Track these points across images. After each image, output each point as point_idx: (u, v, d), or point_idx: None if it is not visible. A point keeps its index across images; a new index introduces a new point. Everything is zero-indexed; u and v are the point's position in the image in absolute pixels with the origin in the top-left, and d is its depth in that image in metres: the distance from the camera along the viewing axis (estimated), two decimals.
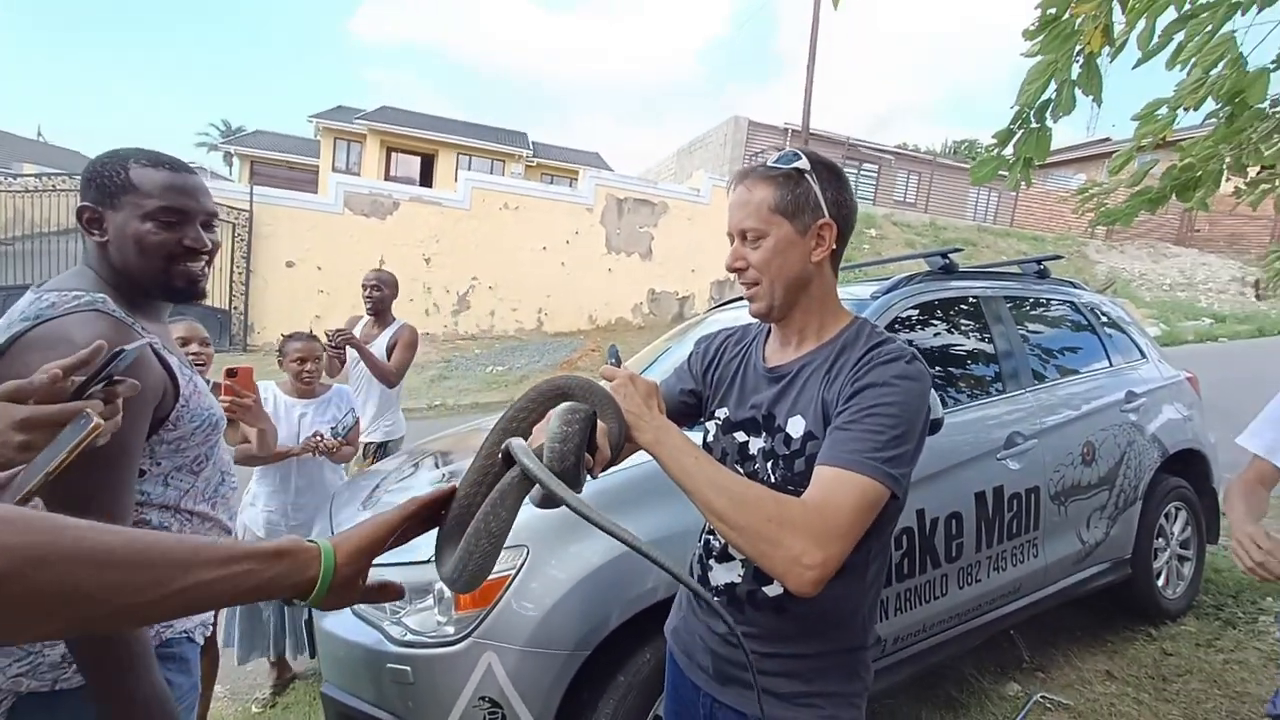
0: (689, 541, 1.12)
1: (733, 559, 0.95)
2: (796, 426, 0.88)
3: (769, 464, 0.91)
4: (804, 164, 0.90)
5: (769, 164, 0.92)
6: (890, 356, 0.84)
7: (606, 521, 0.63)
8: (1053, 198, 18.60)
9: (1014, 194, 18.57)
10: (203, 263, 0.97)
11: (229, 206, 9.35)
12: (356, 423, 2.46)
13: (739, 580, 0.94)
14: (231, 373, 1.71)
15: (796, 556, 0.71)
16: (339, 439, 2.29)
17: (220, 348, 9.39)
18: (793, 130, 15.79)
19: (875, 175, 18.35)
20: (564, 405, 0.71)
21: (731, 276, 0.96)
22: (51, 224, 8.90)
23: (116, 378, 0.67)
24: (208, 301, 11.33)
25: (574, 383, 0.80)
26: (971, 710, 2.17)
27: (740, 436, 0.96)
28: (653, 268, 11.93)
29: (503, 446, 0.68)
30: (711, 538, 1.00)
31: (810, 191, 0.89)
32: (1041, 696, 2.23)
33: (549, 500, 0.71)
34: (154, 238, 0.91)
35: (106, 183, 0.91)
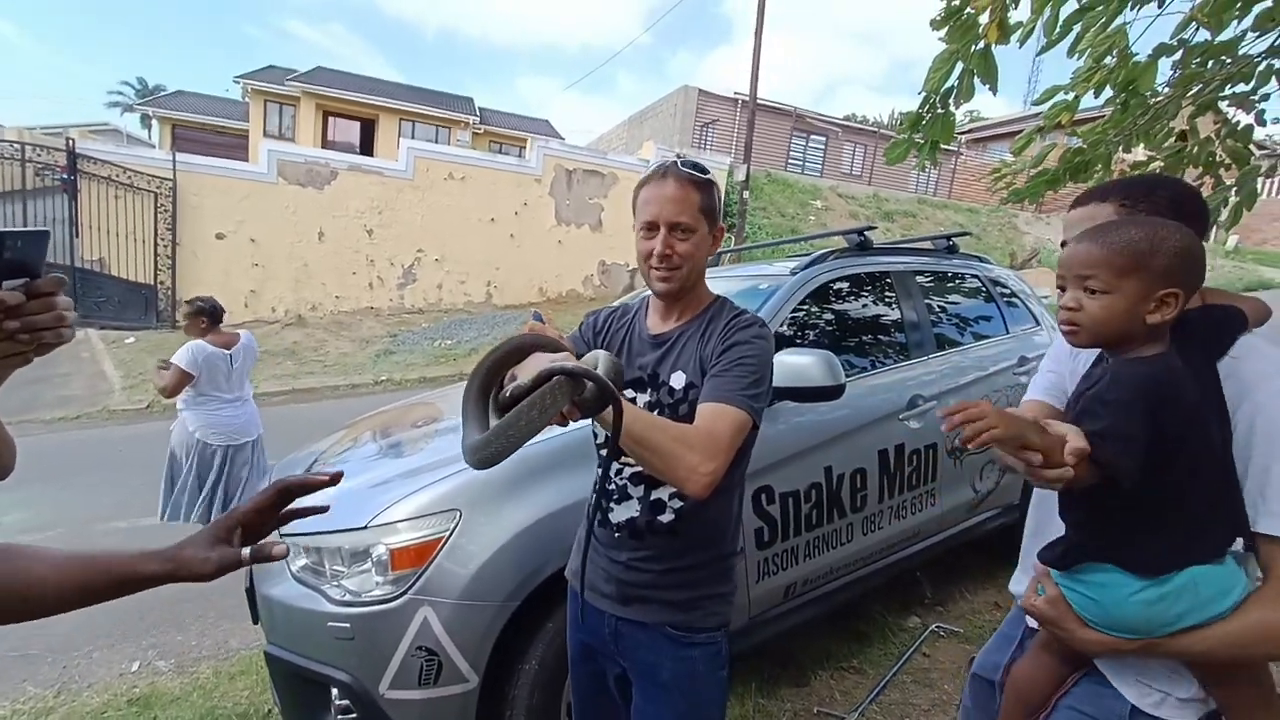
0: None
1: (630, 498, 1.14)
2: (679, 380, 1.10)
3: (655, 413, 1.09)
4: (713, 176, 1.11)
5: (689, 170, 1.08)
6: (748, 322, 1.10)
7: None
8: (988, 171, 19.36)
9: (952, 168, 19.26)
10: None
11: (150, 175, 8.79)
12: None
13: (637, 514, 1.13)
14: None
15: (694, 466, 0.93)
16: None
17: (146, 324, 8.91)
18: (742, 100, 15.80)
19: (823, 147, 18.64)
20: (608, 354, 0.88)
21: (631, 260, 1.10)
22: None
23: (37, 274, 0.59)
24: (129, 276, 10.51)
25: (545, 341, 0.90)
26: (875, 641, 2.44)
27: (629, 394, 1.13)
28: (603, 239, 11.93)
29: (549, 368, 0.77)
30: (607, 483, 1.16)
31: (717, 200, 1.13)
32: (936, 627, 2.52)
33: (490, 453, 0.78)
34: None
35: None
